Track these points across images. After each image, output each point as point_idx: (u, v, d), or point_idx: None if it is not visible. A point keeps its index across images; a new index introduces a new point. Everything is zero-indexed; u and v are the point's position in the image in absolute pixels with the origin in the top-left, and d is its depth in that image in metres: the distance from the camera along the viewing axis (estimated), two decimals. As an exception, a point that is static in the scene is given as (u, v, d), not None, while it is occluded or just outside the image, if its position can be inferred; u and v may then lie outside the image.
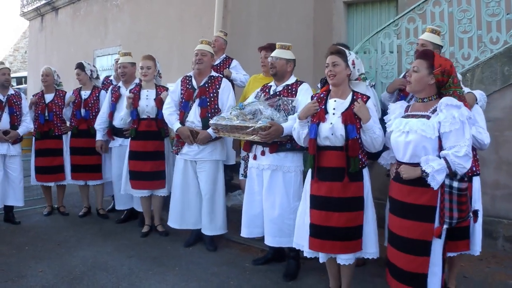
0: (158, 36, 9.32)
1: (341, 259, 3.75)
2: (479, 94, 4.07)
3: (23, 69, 22.75)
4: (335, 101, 3.77)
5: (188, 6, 8.70)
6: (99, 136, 6.23)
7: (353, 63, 3.85)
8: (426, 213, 3.21)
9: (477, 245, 3.87)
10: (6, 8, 22.09)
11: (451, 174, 3.11)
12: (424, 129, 3.17)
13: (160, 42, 9.12)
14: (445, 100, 3.20)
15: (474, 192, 3.87)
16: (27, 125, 6.31)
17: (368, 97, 3.75)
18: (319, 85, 5.12)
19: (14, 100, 6.20)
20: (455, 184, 3.13)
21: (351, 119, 3.62)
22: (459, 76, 3.96)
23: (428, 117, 3.23)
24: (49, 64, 7.65)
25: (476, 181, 3.92)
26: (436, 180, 3.11)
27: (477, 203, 3.89)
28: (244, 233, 4.70)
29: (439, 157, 3.16)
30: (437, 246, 3.23)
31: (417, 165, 3.21)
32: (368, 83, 4.85)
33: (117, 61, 6.69)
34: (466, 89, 3.99)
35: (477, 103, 3.98)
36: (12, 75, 7.25)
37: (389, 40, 5.91)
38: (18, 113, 6.23)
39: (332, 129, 3.66)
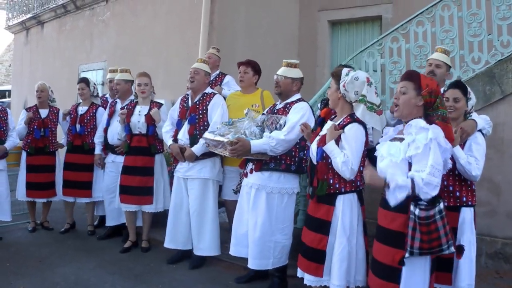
0: (143, 51, 9.31)
1: (306, 278, 3.72)
2: (483, 120, 3.75)
3: (7, 82, 22.56)
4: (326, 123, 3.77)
5: (173, 22, 8.71)
6: (97, 150, 6.30)
7: (344, 86, 3.55)
8: (396, 239, 3.04)
9: (462, 281, 3.51)
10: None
11: (414, 197, 2.91)
12: (393, 154, 3.06)
13: (145, 57, 9.11)
14: (413, 122, 3.07)
15: (461, 223, 3.56)
16: (13, 140, 6.19)
17: (353, 121, 3.54)
18: (319, 105, 5.13)
19: (0, 115, 6.11)
20: (417, 211, 2.91)
21: (324, 141, 3.55)
22: (473, 100, 3.74)
23: (402, 140, 3.09)
24: (33, 79, 7.60)
25: (467, 212, 3.59)
26: (394, 196, 2.97)
27: (464, 235, 3.55)
28: (232, 251, 4.62)
29: None
30: (411, 275, 3.02)
31: None
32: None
33: (110, 81, 6.67)
34: (474, 115, 3.75)
35: (480, 131, 3.67)
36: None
37: (373, 59, 6.00)
38: (4, 128, 6.12)
39: (311, 151, 3.70)
